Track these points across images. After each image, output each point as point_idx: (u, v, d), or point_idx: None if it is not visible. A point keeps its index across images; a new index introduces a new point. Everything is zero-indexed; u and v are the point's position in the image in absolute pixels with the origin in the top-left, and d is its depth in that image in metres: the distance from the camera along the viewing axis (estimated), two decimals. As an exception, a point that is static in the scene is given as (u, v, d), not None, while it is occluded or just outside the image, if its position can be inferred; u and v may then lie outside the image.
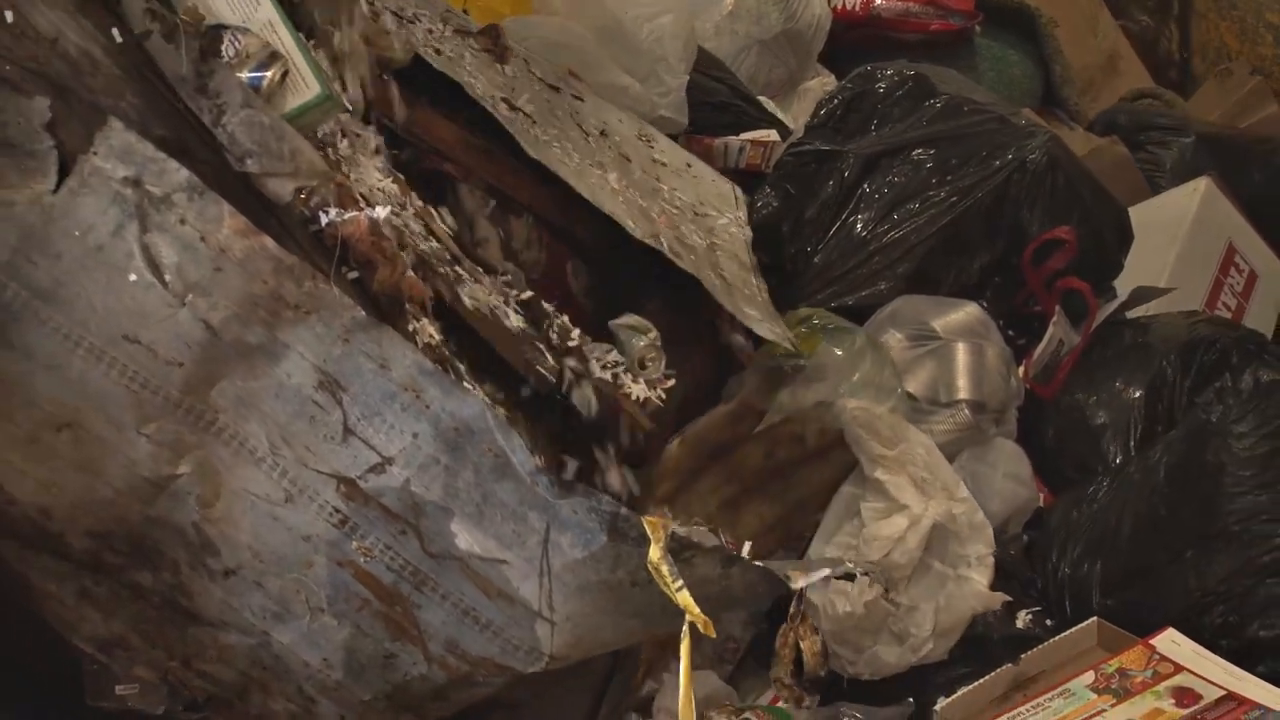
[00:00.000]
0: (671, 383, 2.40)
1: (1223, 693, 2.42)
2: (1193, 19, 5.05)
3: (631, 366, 2.35)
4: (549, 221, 2.45)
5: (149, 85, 1.93)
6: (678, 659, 1.87)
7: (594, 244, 2.49)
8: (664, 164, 2.90)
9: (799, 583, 1.93)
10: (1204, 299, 3.73)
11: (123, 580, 2.00)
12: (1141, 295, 3.38)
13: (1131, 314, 3.40)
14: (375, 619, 1.97)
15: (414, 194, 2.22)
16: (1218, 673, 2.47)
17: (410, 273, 1.98)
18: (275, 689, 2.04)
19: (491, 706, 2.07)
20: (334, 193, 1.96)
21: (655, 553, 1.77)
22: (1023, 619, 2.80)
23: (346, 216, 1.95)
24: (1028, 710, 2.49)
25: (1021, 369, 3.19)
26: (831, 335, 2.88)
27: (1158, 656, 2.51)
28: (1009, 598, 2.74)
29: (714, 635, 1.79)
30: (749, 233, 2.94)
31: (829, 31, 4.11)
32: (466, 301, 2.13)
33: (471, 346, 2.12)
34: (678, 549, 1.82)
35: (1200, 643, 2.54)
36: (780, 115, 3.77)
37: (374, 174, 2.18)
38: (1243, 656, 2.55)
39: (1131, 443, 3.11)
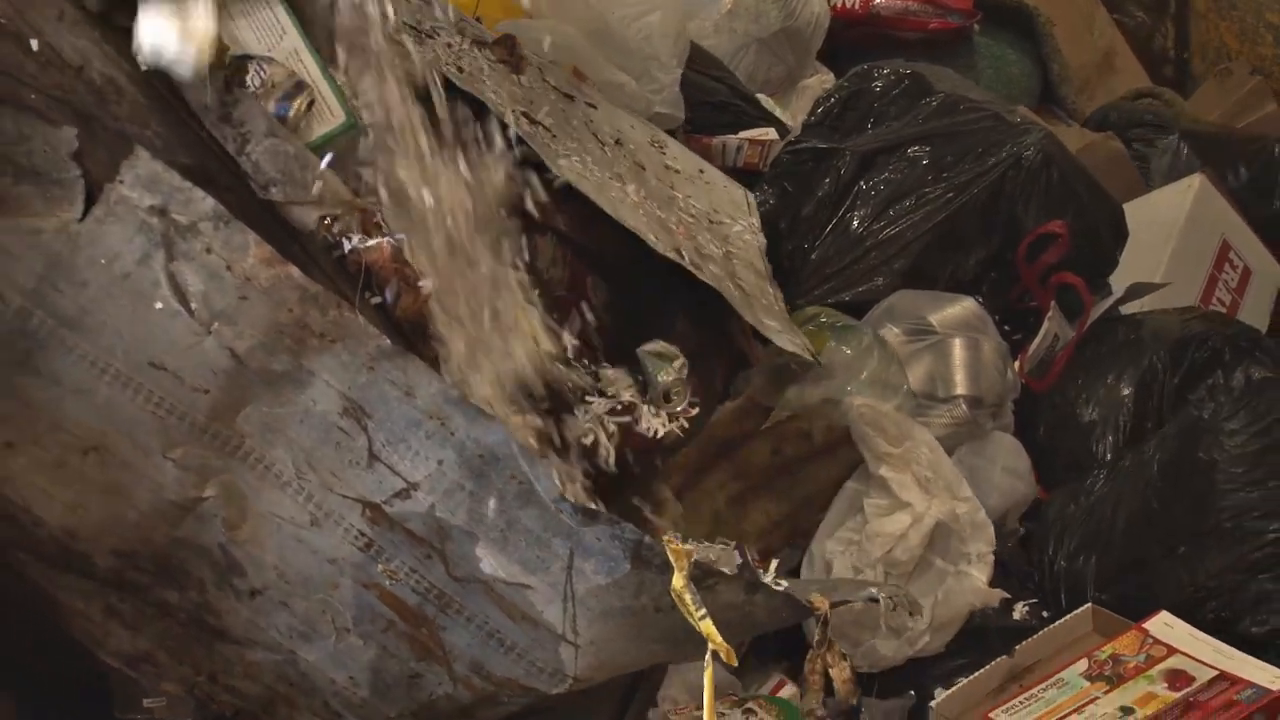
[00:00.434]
0: (695, 411, 2.36)
1: (1215, 673, 2.45)
2: (1192, 19, 5.03)
3: (656, 400, 2.32)
4: (571, 238, 2.41)
5: (173, 113, 1.91)
6: None
7: (615, 258, 2.45)
8: (677, 171, 2.88)
9: (824, 608, 1.89)
10: (1198, 295, 3.73)
11: (149, 598, 1.98)
12: (1136, 291, 3.37)
13: (1127, 310, 3.37)
14: (400, 640, 1.95)
15: None
16: (1209, 653, 2.50)
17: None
18: (302, 704, 2.02)
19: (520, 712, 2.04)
20: (357, 219, 1.92)
21: (679, 581, 1.75)
22: (1019, 611, 2.80)
23: (369, 243, 1.91)
24: (1022, 702, 2.49)
25: (1016, 364, 3.16)
26: (839, 333, 2.88)
27: (1150, 640, 2.53)
28: (1007, 595, 2.73)
29: (736, 663, 1.77)
30: (763, 240, 2.92)
31: (828, 29, 4.08)
32: None
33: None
34: (701, 576, 1.80)
35: (1193, 639, 2.53)
36: (779, 113, 3.76)
37: None
38: None
39: (1120, 439, 3.08)
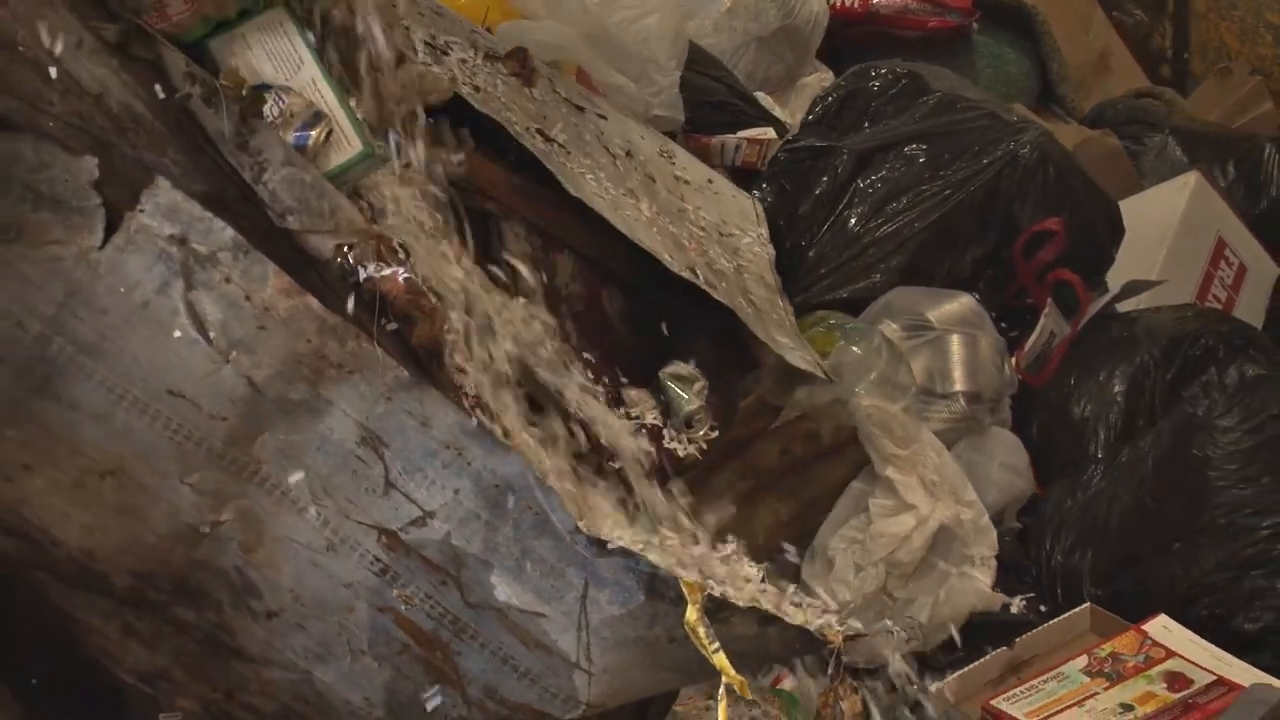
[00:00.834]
0: (715, 434, 2.34)
1: (1213, 678, 2.45)
2: (1192, 19, 5.00)
3: (678, 425, 2.31)
4: (586, 255, 2.38)
5: (190, 141, 1.89)
6: None
7: (630, 274, 2.43)
8: (686, 181, 2.86)
9: (837, 642, 1.88)
10: (1194, 292, 3.71)
11: (166, 616, 1.98)
12: (1133, 288, 3.36)
13: (1123, 307, 3.35)
14: (415, 663, 1.95)
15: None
16: (1207, 658, 2.50)
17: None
18: (318, 721, 2.00)
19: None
20: (373, 248, 1.90)
21: (692, 614, 1.75)
22: (1016, 605, 2.78)
23: (385, 272, 1.88)
24: (1022, 691, 2.50)
25: (1013, 360, 3.14)
26: (848, 334, 2.85)
27: (1149, 642, 2.53)
28: (1008, 599, 2.71)
29: (749, 696, 1.75)
30: (771, 251, 2.91)
31: (827, 28, 4.04)
32: None
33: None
34: (714, 609, 1.79)
35: (1188, 635, 2.54)
36: (778, 112, 3.74)
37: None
38: (1229, 649, 2.56)
39: (1112, 436, 3.07)
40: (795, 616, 1.90)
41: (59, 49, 1.80)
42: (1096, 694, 2.48)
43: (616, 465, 2.12)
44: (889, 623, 2.21)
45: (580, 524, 1.82)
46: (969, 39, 4.42)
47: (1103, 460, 3.03)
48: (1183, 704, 2.42)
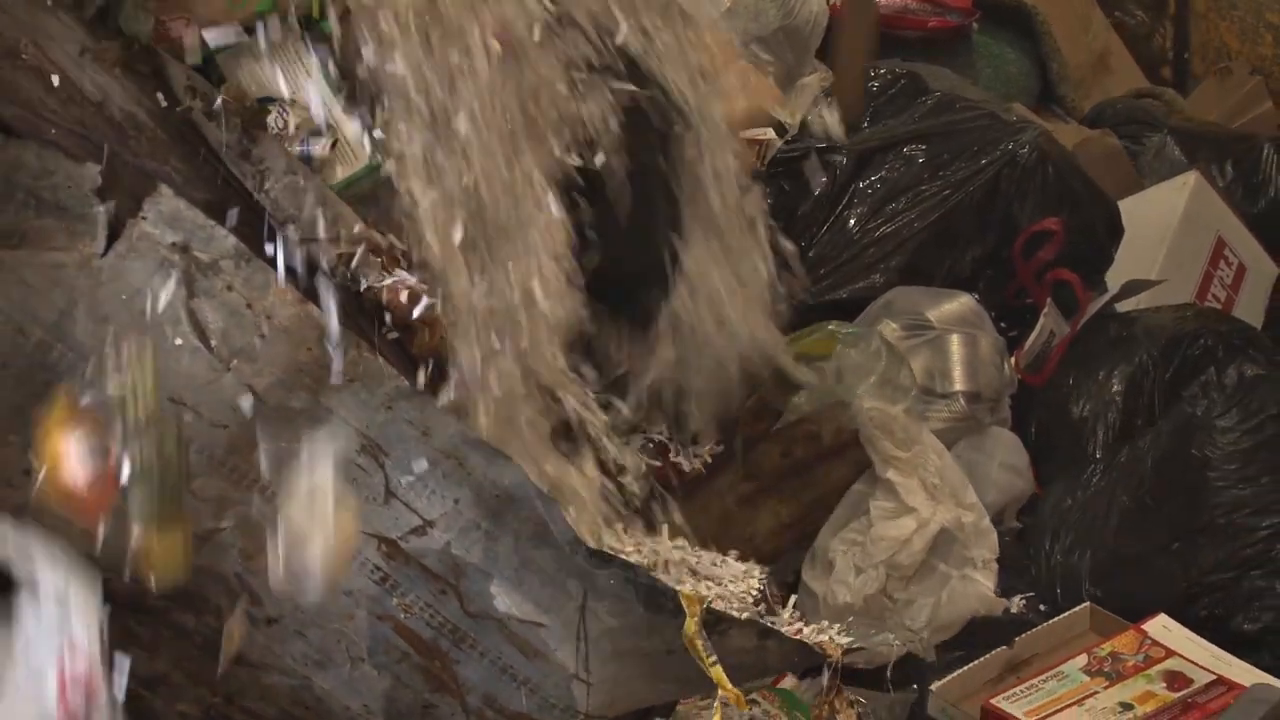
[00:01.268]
0: (721, 448, 2.32)
1: (1212, 677, 2.46)
2: (1192, 19, 4.97)
3: (685, 440, 2.30)
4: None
5: (192, 149, 1.88)
6: None
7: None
8: None
9: (836, 655, 1.87)
10: (1194, 292, 3.70)
11: (165, 621, 1.95)
12: (1132, 288, 3.35)
13: (1123, 307, 3.34)
14: (414, 671, 1.94)
15: None
16: (1206, 658, 2.51)
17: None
18: (318, 727, 1.99)
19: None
20: (377, 254, 1.88)
21: (691, 627, 1.74)
22: (1016, 604, 2.77)
23: (386, 282, 1.87)
24: (1022, 691, 2.51)
25: (1013, 359, 3.13)
26: (847, 338, 2.82)
27: (1149, 641, 2.55)
28: (1008, 603, 2.70)
29: (745, 709, 1.73)
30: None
31: (827, 28, 4.00)
32: None
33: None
34: (713, 622, 1.77)
35: (1188, 635, 2.53)
36: (778, 112, 3.68)
37: None
38: (1228, 649, 2.57)
39: (1110, 436, 3.07)
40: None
41: (61, 57, 1.78)
42: (1096, 693, 2.49)
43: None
44: (890, 635, 2.18)
45: (579, 535, 1.80)
46: (969, 39, 4.39)
47: (1102, 460, 3.02)
48: (1182, 703, 2.44)
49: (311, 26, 1.99)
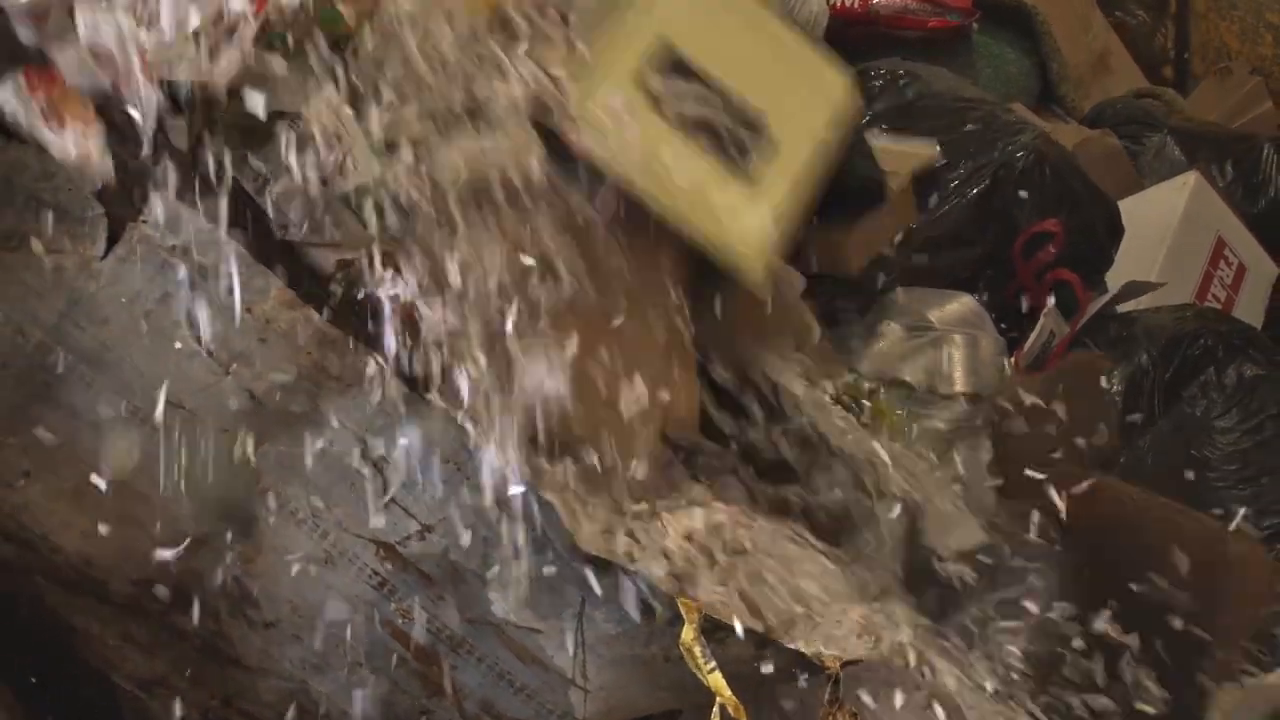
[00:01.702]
0: None
1: None
2: (1192, 19, 4.96)
3: None
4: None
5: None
6: None
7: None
8: None
9: (835, 668, 1.85)
10: (1194, 292, 3.68)
11: (164, 623, 1.96)
12: (1132, 290, 3.33)
13: (1124, 307, 3.32)
14: (412, 676, 1.94)
15: None
16: None
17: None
18: (315, 730, 1.98)
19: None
20: (377, 261, 1.86)
21: (688, 634, 1.73)
22: (1016, 605, 2.73)
23: (388, 288, 1.85)
24: None
25: (1013, 360, 3.11)
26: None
27: None
28: None
29: (745, 718, 1.72)
30: None
31: (826, 28, 3.99)
32: None
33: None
34: (711, 629, 1.75)
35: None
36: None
37: None
38: None
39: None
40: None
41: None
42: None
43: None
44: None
45: (578, 541, 1.79)
46: (969, 39, 4.37)
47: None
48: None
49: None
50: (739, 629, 1.75)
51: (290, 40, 1.84)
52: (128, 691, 2.00)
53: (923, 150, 3.21)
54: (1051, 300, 3.24)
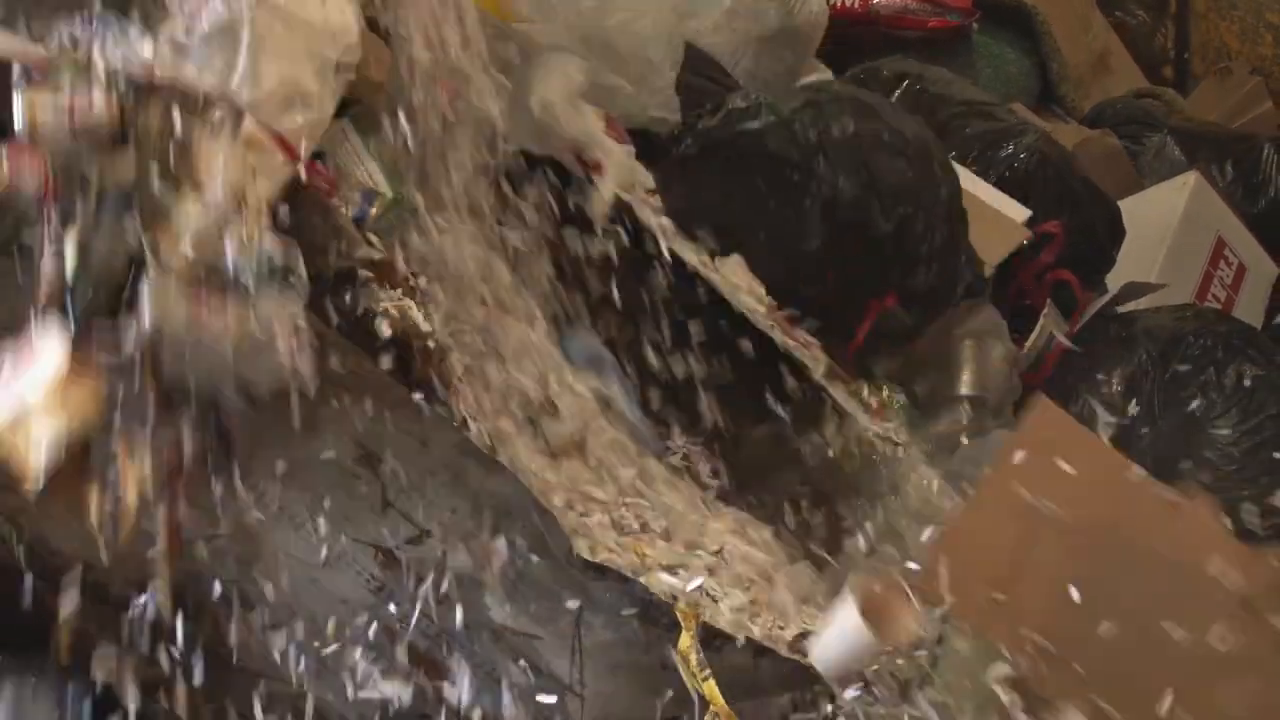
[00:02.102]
0: None
1: None
2: (1192, 19, 4.95)
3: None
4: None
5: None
6: None
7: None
8: None
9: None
10: (1194, 291, 3.69)
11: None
12: (1132, 291, 3.32)
13: (1124, 308, 3.32)
14: (410, 681, 1.91)
15: None
16: None
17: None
18: (313, 733, 1.97)
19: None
20: (382, 275, 1.86)
21: (685, 641, 1.71)
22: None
23: (390, 300, 1.85)
24: None
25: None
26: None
27: None
28: None
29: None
30: None
31: (827, 28, 3.97)
32: None
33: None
34: (708, 637, 1.74)
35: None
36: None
37: None
38: None
39: (1107, 436, 3.03)
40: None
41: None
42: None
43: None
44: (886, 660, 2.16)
45: (576, 547, 1.78)
46: (969, 39, 4.37)
47: (1103, 460, 2.99)
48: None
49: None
50: (739, 639, 1.74)
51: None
52: (127, 693, 1.99)
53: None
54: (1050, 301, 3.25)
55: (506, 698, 1.89)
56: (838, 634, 1.69)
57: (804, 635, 1.90)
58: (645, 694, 1.88)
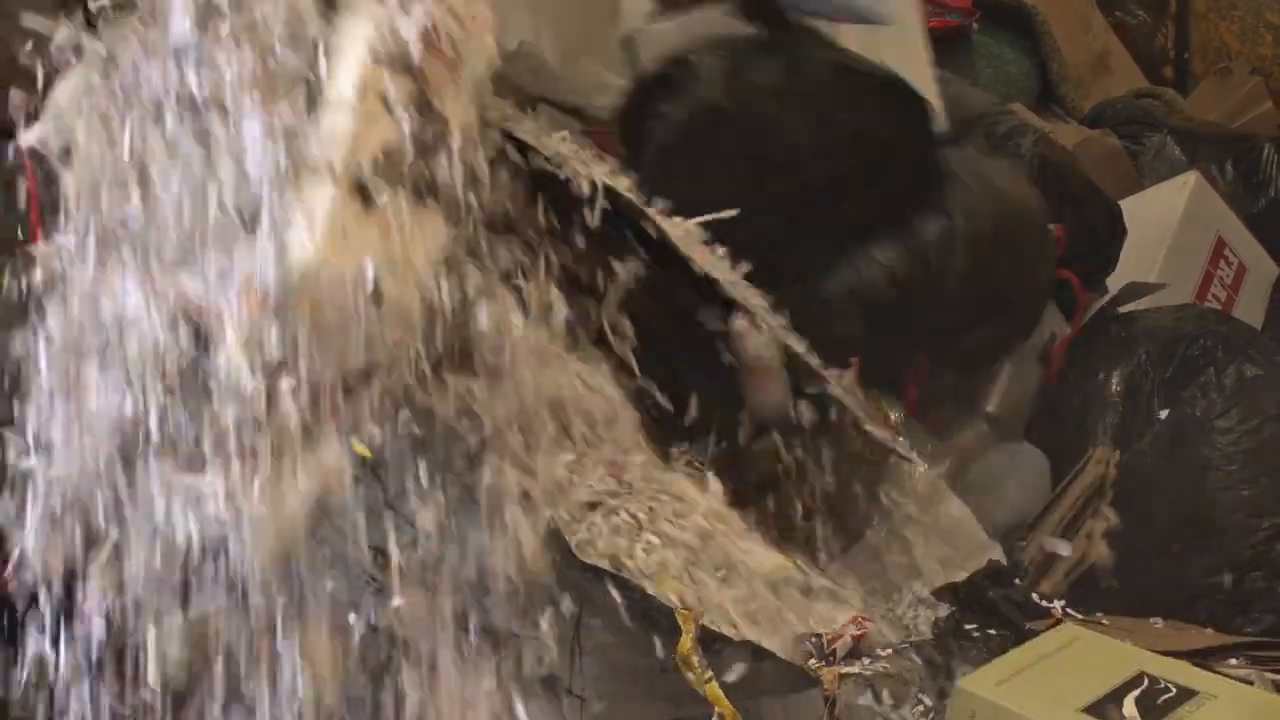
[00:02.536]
0: None
1: None
2: (1192, 19, 4.95)
3: None
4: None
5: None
6: None
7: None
8: None
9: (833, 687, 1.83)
10: (1194, 291, 3.69)
11: (162, 625, 1.90)
12: (1133, 291, 3.31)
13: (1124, 308, 3.31)
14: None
15: None
16: None
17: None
18: (314, 735, 1.95)
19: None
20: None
21: (686, 643, 1.69)
22: (1012, 605, 2.71)
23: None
24: None
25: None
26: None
27: None
28: None
29: (738, 724, 1.70)
30: None
31: (823, 33, 3.98)
32: None
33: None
34: (709, 640, 1.72)
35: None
36: (778, 112, 3.64)
37: None
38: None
39: (1109, 436, 3.02)
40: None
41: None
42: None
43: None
44: (885, 665, 2.14)
45: (576, 550, 1.78)
46: (969, 39, 4.37)
47: (1103, 460, 2.99)
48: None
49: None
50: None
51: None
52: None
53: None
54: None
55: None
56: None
57: (804, 636, 1.88)
58: (645, 697, 1.88)
